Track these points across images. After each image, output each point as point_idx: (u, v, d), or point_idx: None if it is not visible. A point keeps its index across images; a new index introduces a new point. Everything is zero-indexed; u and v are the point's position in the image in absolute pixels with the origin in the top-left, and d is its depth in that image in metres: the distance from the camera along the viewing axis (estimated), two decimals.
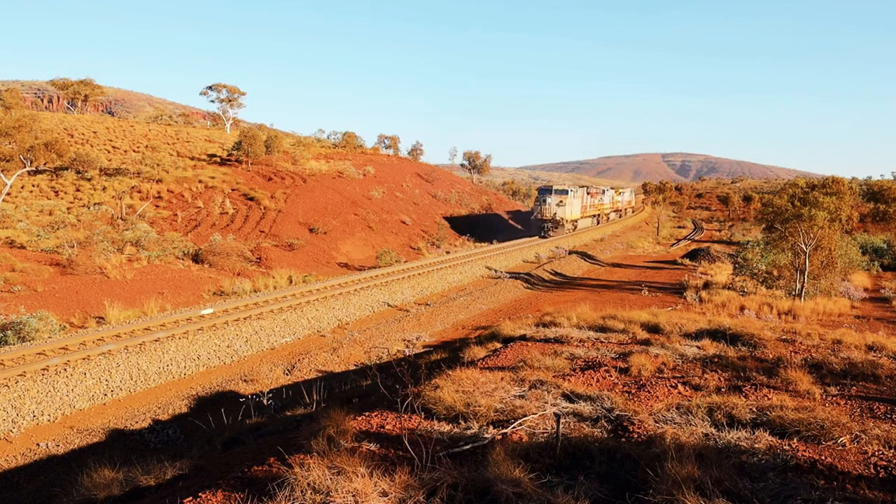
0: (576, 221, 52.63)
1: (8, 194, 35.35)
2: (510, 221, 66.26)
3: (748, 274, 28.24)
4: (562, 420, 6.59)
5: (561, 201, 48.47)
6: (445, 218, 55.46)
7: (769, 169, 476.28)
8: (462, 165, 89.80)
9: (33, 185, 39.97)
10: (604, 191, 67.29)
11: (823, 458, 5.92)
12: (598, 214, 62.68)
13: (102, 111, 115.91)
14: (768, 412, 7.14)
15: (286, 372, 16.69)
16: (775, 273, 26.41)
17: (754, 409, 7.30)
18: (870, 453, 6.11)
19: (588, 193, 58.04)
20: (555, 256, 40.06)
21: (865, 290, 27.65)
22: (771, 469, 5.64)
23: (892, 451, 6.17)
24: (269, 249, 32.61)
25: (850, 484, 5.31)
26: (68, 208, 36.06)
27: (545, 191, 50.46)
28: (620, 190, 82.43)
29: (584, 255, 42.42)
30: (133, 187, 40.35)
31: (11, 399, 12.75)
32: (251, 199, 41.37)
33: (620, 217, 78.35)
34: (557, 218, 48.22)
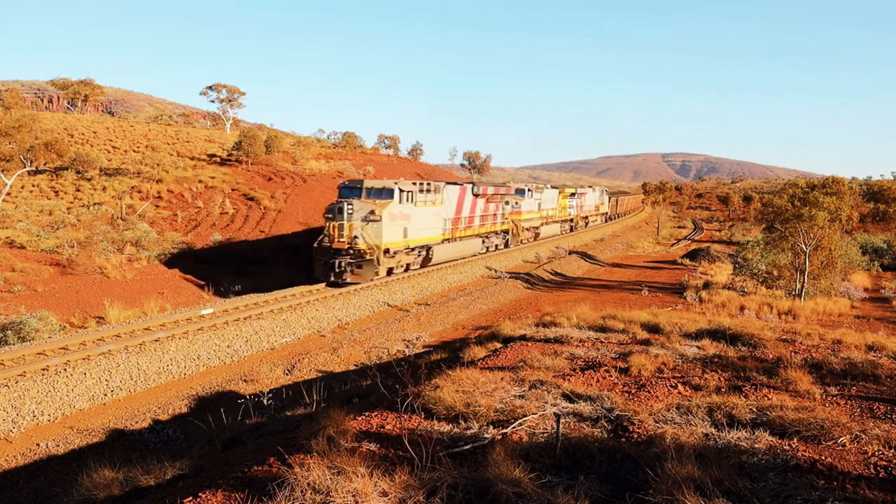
0: (426, 249, 28.37)
1: (8, 194, 35.34)
2: None
3: (748, 274, 28.24)
4: (562, 420, 6.58)
5: (372, 212, 23.65)
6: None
7: (769, 169, 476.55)
8: (462, 165, 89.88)
9: (33, 185, 39.96)
10: (527, 191, 42.00)
11: (823, 458, 5.93)
12: (507, 231, 38.37)
13: (102, 111, 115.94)
14: (768, 412, 7.14)
15: (286, 372, 16.68)
16: (775, 273, 26.41)
17: (754, 409, 7.31)
18: (870, 453, 6.11)
19: (476, 195, 32.72)
20: (555, 256, 40.10)
21: (865, 290, 27.65)
22: (771, 469, 5.64)
23: (892, 451, 6.17)
24: None
25: (850, 484, 5.31)
26: (68, 208, 36.05)
27: (350, 190, 25.11)
28: (573, 191, 55.72)
29: (585, 255, 42.46)
30: (133, 187, 40.34)
31: (11, 399, 12.74)
32: (251, 199, 41.36)
33: (573, 230, 53.64)
34: (360, 246, 23.45)
